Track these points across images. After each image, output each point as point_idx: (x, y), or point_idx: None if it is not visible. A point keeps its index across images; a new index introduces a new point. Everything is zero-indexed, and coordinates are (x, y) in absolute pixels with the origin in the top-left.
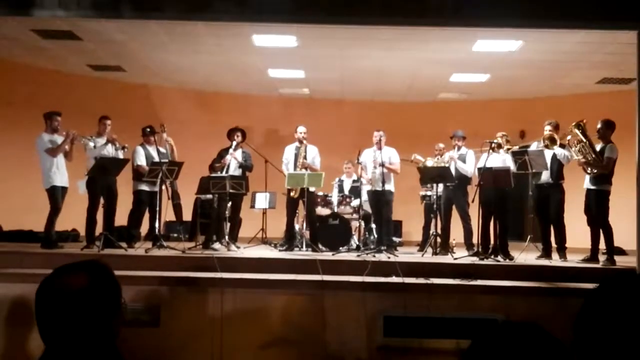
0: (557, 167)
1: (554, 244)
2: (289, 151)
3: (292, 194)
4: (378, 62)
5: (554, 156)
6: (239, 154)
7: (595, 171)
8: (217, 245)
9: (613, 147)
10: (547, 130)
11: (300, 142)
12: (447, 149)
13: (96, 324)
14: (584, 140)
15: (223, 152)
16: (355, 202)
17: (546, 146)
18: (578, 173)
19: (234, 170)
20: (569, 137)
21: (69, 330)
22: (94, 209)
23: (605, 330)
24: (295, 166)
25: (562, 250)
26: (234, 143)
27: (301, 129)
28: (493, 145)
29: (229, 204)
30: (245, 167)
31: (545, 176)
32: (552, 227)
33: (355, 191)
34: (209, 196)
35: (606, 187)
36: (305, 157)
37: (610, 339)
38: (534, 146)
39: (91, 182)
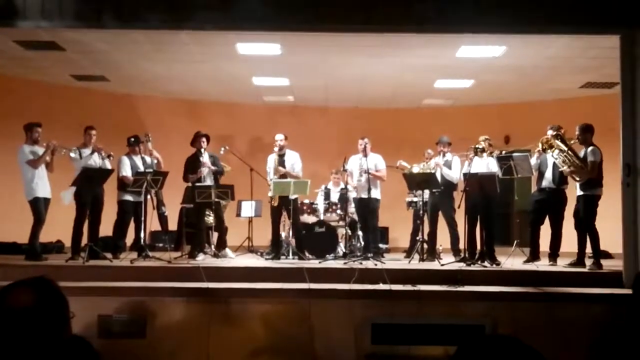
0: (559, 171)
1: (545, 249)
2: (271, 160)
3: (272, 202)
4: (362, 69)
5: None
6: (208, 161)
7: (583, 178)
8: (200, 256)
9: (595, 150)
10: (549, 134)
11: (281, 149)
12: (434, 155)
13: (45, 339)
14: (565, 149)
15: (193, 162)
16: (350, 210)
17: (543, 150)
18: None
19: (208, 177)
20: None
21: (18, 347)
22: (81, 220)
23: None
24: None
25: (555, 255)
26: (203, 151)
27: (278, 137)
28: (477, 149)
29: (211, 213)
30: (218, 172)
31: (547, 180)
32: (551, 232)
33: (343, 199)
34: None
35: (595, 191)
36: (283, 164)
37: None
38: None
39: (78, 192)
